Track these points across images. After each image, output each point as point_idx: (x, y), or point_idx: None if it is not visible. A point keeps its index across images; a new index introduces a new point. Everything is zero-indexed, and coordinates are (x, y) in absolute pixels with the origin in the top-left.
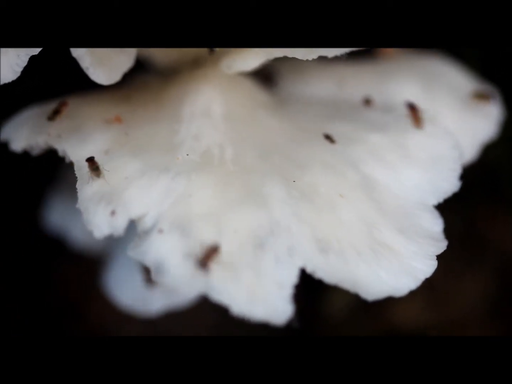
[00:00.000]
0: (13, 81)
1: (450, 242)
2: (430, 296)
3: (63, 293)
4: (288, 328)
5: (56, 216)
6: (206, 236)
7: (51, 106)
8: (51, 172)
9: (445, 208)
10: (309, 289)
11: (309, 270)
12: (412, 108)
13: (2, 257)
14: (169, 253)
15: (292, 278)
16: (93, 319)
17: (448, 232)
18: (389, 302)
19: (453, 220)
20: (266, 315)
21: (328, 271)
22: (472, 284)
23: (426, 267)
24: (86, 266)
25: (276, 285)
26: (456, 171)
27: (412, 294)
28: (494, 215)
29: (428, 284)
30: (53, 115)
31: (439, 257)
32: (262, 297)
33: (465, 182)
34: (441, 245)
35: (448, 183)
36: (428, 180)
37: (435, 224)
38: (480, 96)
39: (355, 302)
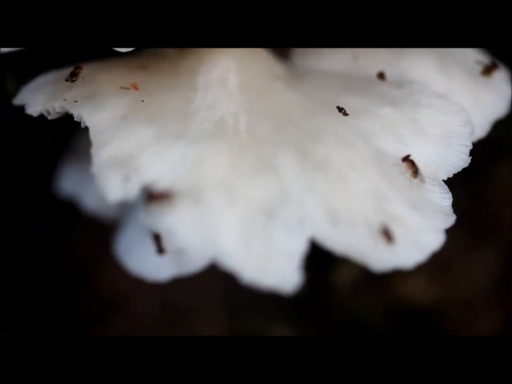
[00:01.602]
0: (30, 48)
1: (457, 218)
2: (437, 272)
3: (76, 260)
4: (295, 297)
5: (70, 182)
6: (217, 203)
7: (68, 70)
8: (66, 138)
9: (453, 184)
10: (318, 260)
11: (318, 240)
12: (409, 162)
13: (16, 223)
14: (180, 219)
15: (301, 247)
16: (105, 286)
17: (456, 208)
18: (396, 276)
19: (461, 196)
20: (275, 283)
21: (337, 242)
22: (480, 261)
23: (434, 241)
24: (99, 233)
25: (285, 254)
26: (467, 147)
27: (420, 269)
28: (502, 191)
29: (435, 260)
30: (71, 77)
31: (447, 233)
32: (272, 265)
33: (474, 158)
34: (450, 220)
35: (459, 159)
36: (439, 155)
37: (444, 198)
38: (488, 70)
39: (363, 274)
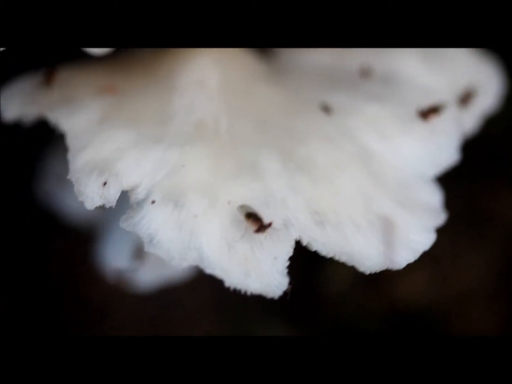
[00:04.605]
0: (4, 52)
1: (454, 216)
2: (433, 271)
3: (57, 269)
4: (283, 301)
5: (49, 189)
6: (199, 207)
7: (43, 74)
8: (44, 144)
9: (448, 182)
10: (309, 263)
11: (304, 242)
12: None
13: None
14: (161, 224)
15: (287, 250)
16: (87, 295)
17: (452, 206)
18: (391, 277)
19: (457, 195)
20: (261, 288)
21: (323, 244)
22: (477, 260)
23: (424, 240)
24: (79, 240)
25: (270, 257)
26: (455, 142)
27: (416, 269)
28: (498, 190)
29: (432, 259)
30: (46, 81)
31: (443, 232)
32: (257, 269)
33: (468, 157)
34: (440, 218)
35: (447, 155)
36: (427, 152)
37: (434, 196)
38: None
39: (356, 277)
